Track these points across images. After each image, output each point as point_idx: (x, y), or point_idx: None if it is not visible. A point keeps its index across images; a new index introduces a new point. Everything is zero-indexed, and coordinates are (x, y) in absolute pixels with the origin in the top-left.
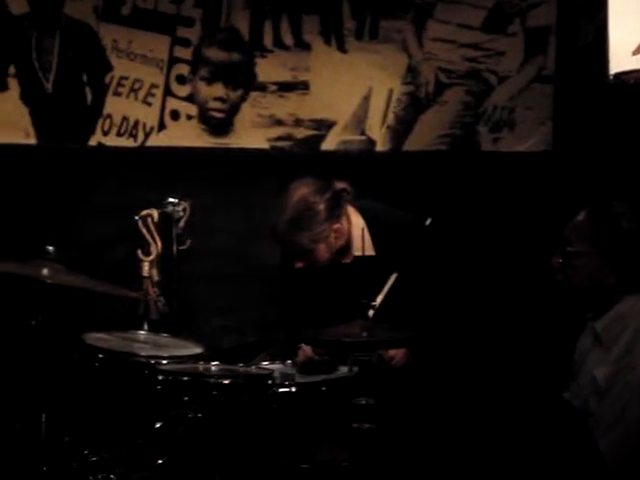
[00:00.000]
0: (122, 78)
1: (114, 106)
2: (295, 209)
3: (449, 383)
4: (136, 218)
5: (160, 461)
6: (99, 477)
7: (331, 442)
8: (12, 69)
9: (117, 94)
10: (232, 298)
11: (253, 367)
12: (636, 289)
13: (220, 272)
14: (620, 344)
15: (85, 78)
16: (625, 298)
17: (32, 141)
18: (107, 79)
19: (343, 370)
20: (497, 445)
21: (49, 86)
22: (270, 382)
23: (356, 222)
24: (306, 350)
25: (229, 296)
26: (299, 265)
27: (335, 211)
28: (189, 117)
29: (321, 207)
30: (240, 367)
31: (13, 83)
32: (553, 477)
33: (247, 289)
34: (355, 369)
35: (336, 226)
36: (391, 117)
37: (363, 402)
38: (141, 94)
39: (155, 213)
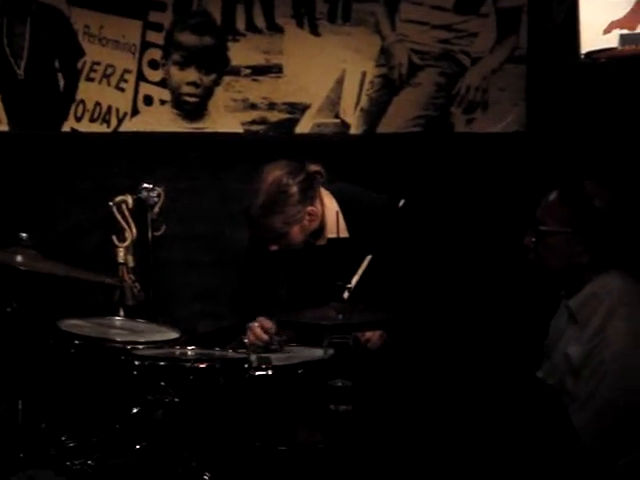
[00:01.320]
0: (94, 63)
1: (87, 92)
2: (268, 192)
3: (424, 364)
4: (110, 204)
5: (138, 446)
6: (77, 463)
7: (308, 424)
8: None
9: (90, 79)
10: (208, 283)
11: (229, 351)
12: (609, 268)
13: (195, 257)
14: (594, 322)
15: (57, 64)
16: (599, 277)
17: (4, 128)
18: (79, 65)
19: (317, 353)
20: (472, 426)
21: (21, 72)
22: (246, 366)
23: (330, 204)
24: (255, 330)
25: (205, 281)
26: (273, 248)
27: (309, 193)
28: (162, 102)
29: (294, 189)
30: (216, 351)
31: None
32: (529, 455)
33: (223, 274)
34: (331, 351)
35: (310, 208)
36: (365, 99)
37: (340, 384)
38: (114, 79)
39: (129, 199)
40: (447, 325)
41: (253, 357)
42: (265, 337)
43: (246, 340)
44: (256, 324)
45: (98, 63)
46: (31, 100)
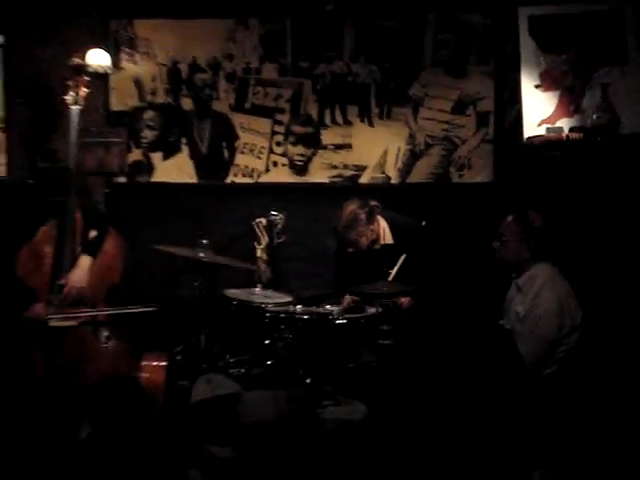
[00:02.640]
0: (245, 144)
1: (240, 160)
2: (347, 218)
3: (433, 316)
4: (253, 223)
5: (268, 362)
6: (235, 371)
7: (367, 350)
8: (184, 140)
9: (242, 153)
10: (308, 269)
11: (321, 308)
12: (541, 260)
13: (301, 255)
14: (532, 292)
15: (224, 144)
16: (535, 265)
17: (194, 181)
18: (236, 144)
19: (372, 310)
20: (459, 350)
21: (204, 149)
22: (331, 317)
23: (382, 224)
24: (348, 299)
25: (306, 268)
26: (351, 250)
27: (371, 218)
28: (283, 165)
29: (362, 216)
30: (314, 308)
31: (185, 148)
32: (492, 369)
33: (317, 264)
34: (380, 309)
35: (371, 227)
36: (399, 163)
37: (385, 327)
38: (255, 152)
39: (264, 220)
40: (450, 294)
41: (335, 311)
42: (352, 303)
43: (344, 304)
44: (347, 297)
45: (247, 143)
46: (209, 165)
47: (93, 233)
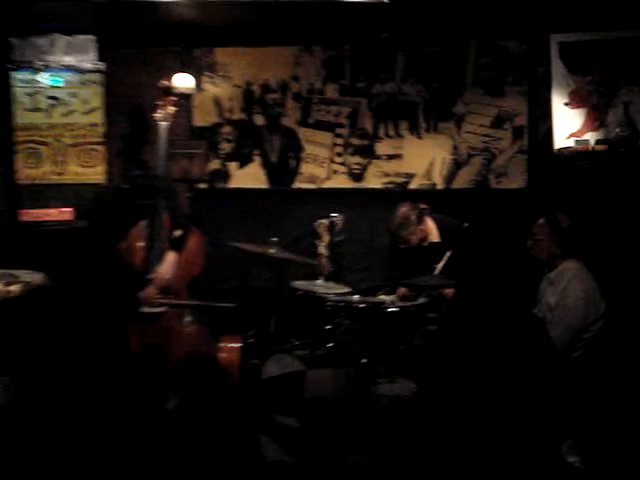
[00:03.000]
0: (309, 154)
1: (304, 168)
2: (400, 218)
3: (474, 308)
4: (316, 223)
5: (329, 345)
6: (300, 351)
7: (416, 335)
8: (256, 151)
9: (306, 162)
10: (365, 264)
11: (375, 298)
12: (569, 257)
13: (358, 251)
14: (561, 285)
15: (291, 155)
16: (564, 262)
17: (265, 186)
18: (301, 155)
19: (421, 299)
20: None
21: (274, 159)
22: (384, 306)
23: (430, 224)
24: (402, 290)
25: (363, 263)
26: (402, 246)
27: (420, 219)
28: (343, 173)
29: (413, 217)
30: (369, 298)
31: (257, 158)
32: (527, 357)
33: (372, 260)
34: (427, 299)
35: (420, 227)
36: (444, 171)
37: (431, 315)
38: (318, 162)
39: (325, 221)
40: (488, 287)
41: (387, 300)
42: (407, 294)
43: (398, 293)
44: (402, 288)
45: (310, 154)
46: (278, 173)
47: (178, 232)
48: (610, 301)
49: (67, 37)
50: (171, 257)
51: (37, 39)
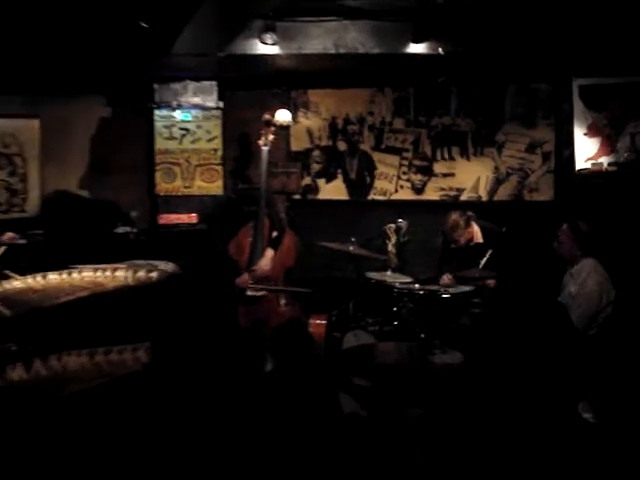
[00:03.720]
0: (380, 172)
1: (377, 184)
2: (451, 223)
3: (510, 295)
4: (385, 227)
5: (395, 323)
6: (372, 328)
7: (464, 316)
8: (339, 170)
9: (379, 179)
10: (424, 259)
11: (432, 286)
12: (588, 256)
13: (419, 249)
14: (581, 278)
15: (366, 173)
16: (583, 259)
17: (346, 198)
18: (375, 173)
19: (466, 288)
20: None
21: (353, 176)
22: (438, 292)
23: (475, 227)
24: (445, 278)
25: (422, 258)
26: (453, 246)
27: (467, 224)
28: (407, 187)
29: (461, 223)
30: (427, 286)
31: (339, 175)
32: (552, 335)
33: (429, 256)
34: (472, 288)
35: (468, 230)
36: (488, 186)
37: (476, 300)
38: (388, 178)
39: (393, 225)
40: (522, 278)
41: (442, 290)
42: (450, 282)
43: (441, 281)
44: (444, 276)
45: (382, 172)
46: (356, 187)
47: (275, 233)
48: (619, 289)
49: (196, 83)
50: (269, 253)
51: (174, 85)
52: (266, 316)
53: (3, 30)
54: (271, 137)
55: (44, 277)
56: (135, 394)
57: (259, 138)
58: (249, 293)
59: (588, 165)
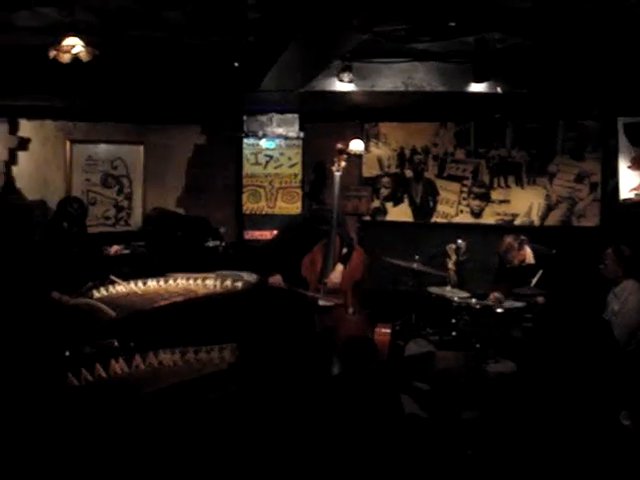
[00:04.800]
0: (443, 198)
1: (440, 208)
2: (506, 245)
3: (559, 311)
4: (447, 247)
5: (453, 333)
6: (432, 337)
7: (516, 329)
8: (405, 195)
9: (441, 203)
10: (480, 276)
11: (487, 301)
12: (630, 277)
13: (476, 267)
14: (623, 296)
15: (430, 198)
16: (626, 280)
17: (411, 220)
18: (438, 198)
19: (518, 304)
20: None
21: (418, 201)
22: (493, 307)
23: (528, 250)
24: (492, 296)
25: (479, 276)
26: (508, 266)
27: (521, 246)
28: (467, 212)
29: (515, 245)
30: (483, 301)
31: (406, 200)
32: (596, 348)
33: (486, 274)
34: (524, 304)
35: (521, 252)
36: (540, 212)
37: (527, 315)
38: (449, 203)
39: (454, 245)
40: (570, 296)
41: (495, 305)
42: (494, 300)
43: (489, 298)
44: (492, 295)
45: (444, 198)
46: (421, 211)
47: (345, 250)
48: None
49: (280, 115)
50: (339, 268)
51: (260, 116)
52: (335, 324)
53: (116, 69)
54: (343, 164)
55: (144, 283)
56: (220, 390)
57: (332, 165)
58: (321, 303)
59: (631, 195)
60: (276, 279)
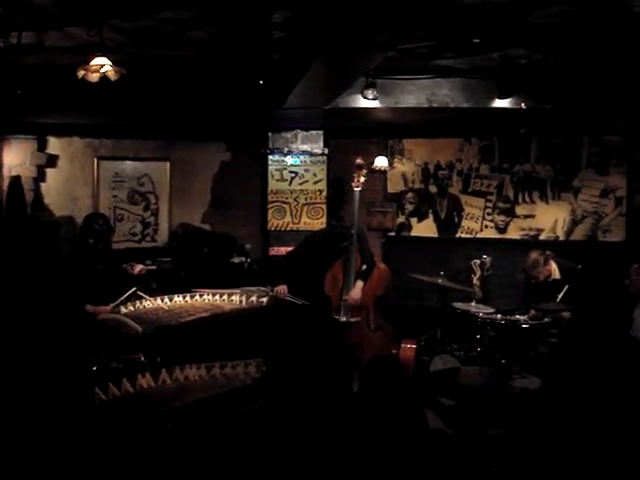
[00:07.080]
0: (468, 213)
1: (464, 223)
2: (531, 261)
3: (585, 327)
4: (472, 262)
5: (478, 349)
6: (457, 353)
7: (542, 344)
8: (430, 210)
9: (466, 219)
10: (505, 292)
11: (513, 316)
12: None
13: (501, 283)
14: None
15: (455, 213)
16: None
17: (436, 235)
18: (462, 214)
19: (547, 319)
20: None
21: (442, 216)
22: (518, 322)
23: (553, 265)
24: (532, 311)
25: (504, 291)
26: (533, 281)
27: (546, 262)
28: (491, 227)
29: (541, 260)
30: (508, 316)
31: (430, 215)
32: (623, 364)
33: (511, 290)
34: (550, 319)
35: (547, 267)
36: (565, 228)
37: (553, 331)
38: (474, 219)
39: (478, 260)
40: (596, 311)
41: (521, 319)
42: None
43: (530, 314)
44: (532, 310)
45: (469, 213)
46: (445, 226)
47: (364, 267)
48: None
49: (304, 132)
50: (359, 284)
51: (285, 133)
52: (358, 340)
53: (143, 87)
54: (362, 179)
55: (171, 299)
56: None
57: (352, 180)
58: (342, 320)
59: None
60: (281, 289)
